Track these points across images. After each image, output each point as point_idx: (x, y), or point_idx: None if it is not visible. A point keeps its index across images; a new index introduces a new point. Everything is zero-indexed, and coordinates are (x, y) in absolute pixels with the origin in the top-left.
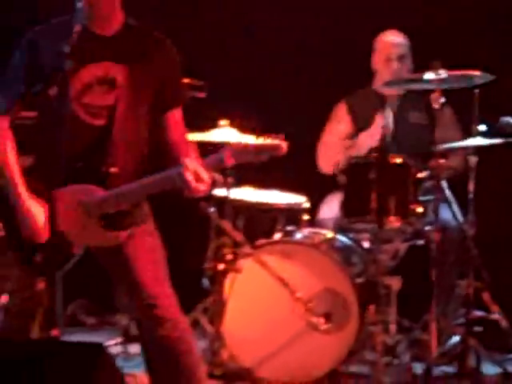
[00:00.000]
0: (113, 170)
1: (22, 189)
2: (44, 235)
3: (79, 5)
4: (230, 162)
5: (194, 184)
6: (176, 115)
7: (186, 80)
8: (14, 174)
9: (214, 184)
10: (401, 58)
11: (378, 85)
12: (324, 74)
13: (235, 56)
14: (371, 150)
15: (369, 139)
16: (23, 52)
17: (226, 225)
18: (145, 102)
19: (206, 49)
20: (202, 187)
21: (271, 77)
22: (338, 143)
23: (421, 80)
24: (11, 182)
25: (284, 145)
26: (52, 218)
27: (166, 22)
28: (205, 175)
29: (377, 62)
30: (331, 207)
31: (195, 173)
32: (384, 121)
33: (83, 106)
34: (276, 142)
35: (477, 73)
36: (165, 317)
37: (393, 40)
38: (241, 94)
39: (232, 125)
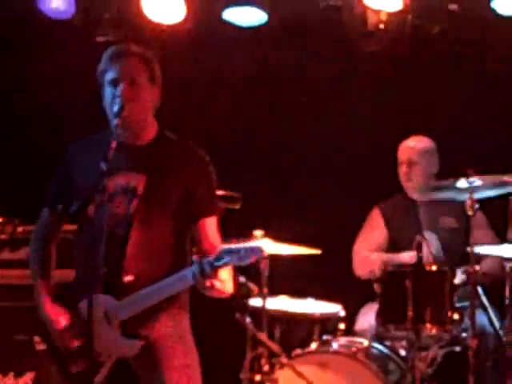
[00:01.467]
0: (127, 279)
1: (48, 297)
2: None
3: (115, 122)
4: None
5: (207, 283)
6: (209, 225)
7: (220, 192)
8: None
9: (250, 293)
10: (409, 162)
11: (407, 190)
12: (358, 180)
13: (269, 166)
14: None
15: (408, 259)
16: (63, 166)
17: (262, 335)
18: (166, 212)
19: (241, 161)
20: (219, 286)
21: (305, 185)
22: (374, 254)
23: (454, 187)
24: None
25: (262, 248)
26: (87, 329)
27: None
28: (222, 275)
29: (399, 167)
30: (368, 317)
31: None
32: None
33: (107, 214)
34: (255, 245)
35: (510, 179)
36: None
37: (413, 145)
38: (277, 203)
39: (267, 235)
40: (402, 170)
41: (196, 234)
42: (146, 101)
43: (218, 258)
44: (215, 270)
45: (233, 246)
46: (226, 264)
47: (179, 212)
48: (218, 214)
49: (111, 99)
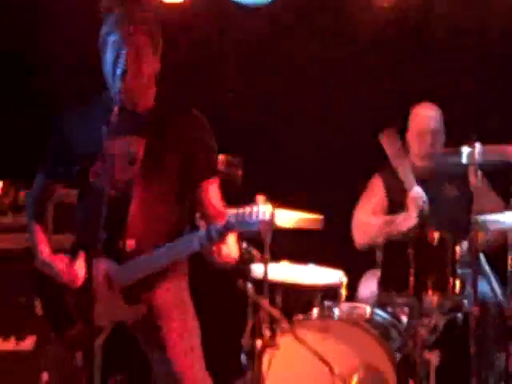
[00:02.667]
0: (129, 244)
1: (45, 251)
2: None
3: (117, 86)
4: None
5: (214, 249)
6: (210, 189)
7: (221, 156)
8: (38, 242)
9: (252, 259)
10: (434, 132)
11: (411, 157)
12: (358, 148)
13: (272, 132)
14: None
15: (409, 220)
16: (60, 133)
17: (264, 301)
18: (166, 176)
19: (243, 126)
20: (226, 251)
21: (307, 152)
22: (374, 218)
23: (458, 155)
24: (36, 248)
25: (273, 216)
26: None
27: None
28: (230, 241)
29: (410, 135)
30: (370, 284)
31: (214, 236)
32: (421, 198)
33: (108, 179)
34: (265, 211)
35: None
36: None
37: (426, 113)
38: (277, 170)
39: (268, 200)
40: (426, 140)
41: (198, 199)
42: (149, 67)
43: (225, 224)
44: (223, 236)
45: (242, 211)
46: (234, 230)
47: (180, 177)
48: (220, 178)
49: (114, 63)
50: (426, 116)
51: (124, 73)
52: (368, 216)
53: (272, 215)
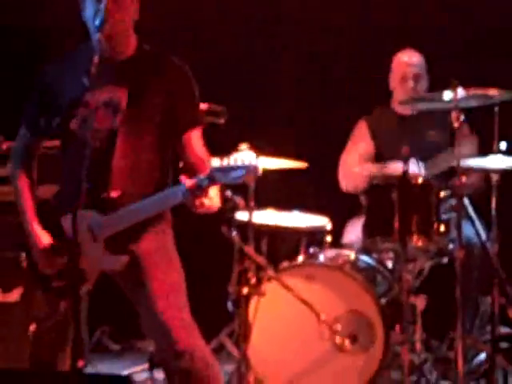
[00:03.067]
0: (113, 194)
1: (31, 214)
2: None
3: (97, 36)
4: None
5: (196, 201)
6: (193, 138)
7: (204, 105)
8: (25, 203)
9: (236, 207)
10: (416, 77)
11: (395, 104)
12: (343, 93)
13: (252, 78)
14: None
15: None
16: (41, 85)
17: (249, 248)
18: (150, 125)
19: (224, 73)
20: (208, 203)
21: (290, 98)
22: (361, 167)
23: (440, 99)
24: (22, 209)
25: (259, 167)
26: (69, 244)
27: (184, 47)
28: (211, 192)
29: (393, 81)
30: (355, 230)
31: (196, 190)
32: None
33: (90, 129)
34: (250, 163)
35: (495, 91)
36: (183, 349)
37: (408, 59)
38: (260, 116)
39: (252, 148)
40: (408, 85)
41: (181, 148)
42: (128, 15)
43: (208, 177)
44: (205, 189)
45: (226, 162)
46: (216, 183)
47: (163, 126)
48: (202, 126)
49: (93, 13)
50: (407, 62)
51: (103, 22)
52: (355, 162)
53: (256, 163)
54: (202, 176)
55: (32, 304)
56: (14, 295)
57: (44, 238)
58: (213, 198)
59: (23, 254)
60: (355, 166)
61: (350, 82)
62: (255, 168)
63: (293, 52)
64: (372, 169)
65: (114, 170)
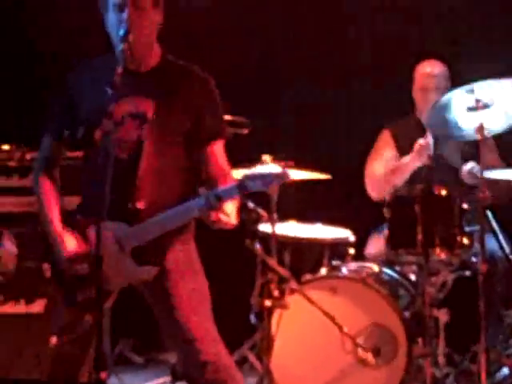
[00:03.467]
0: (140, 205)
1: (56, 222)
2: (71, 264)
3: (121, 47)
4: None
5: (213, 216)
6: (216, 150)
7: (227, 117)
8: (48, 211)
9: (259, 219)
10: (438, 88)
11: (418, 113)
12: (367, 103)
13: (275, 90)
14: (415, 180)
15: (412, 160)
16: (63, 95)
17: (272, 261)
18: (176, 137)
19: (248, 84)
20: (225, 218)
21: (313, 110)
22: (386, 170)
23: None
24: (46, 218)
25: (288, 172)
26: (96, 255)
27: (209, 60)
28: (227, 208)
29: (415, 92)
30: (378, 242)
31: (214, 205)
32: (427, 142)
33: (116, 140)
34: (281, 170)
35: None
36: (207, 360)
37: (429, 71)
38: (283, 128)
39: (275, 160)
40: (429, 96)
41: (204, 159)
42: (151, 25)
43: (225, 190)
44: (221, 202)
45: (257, 171)
46: (232, 196)
47: (188, 137)
48: (226, 138)
49: (116, 24)
50: (428, 73)
51: (126, 34)
52: (380, 170)
53: (285, 170)
54: (217, 188)
55: (54, 316)
56: (37, 307)
57: (70, 245)
58: (230, 214)
59: (46, 265)
60: (381, 174)
61: (374, 93)
62: (285, 174)
63: (316, 64)
64: (389, 169)
65: (140, 181)
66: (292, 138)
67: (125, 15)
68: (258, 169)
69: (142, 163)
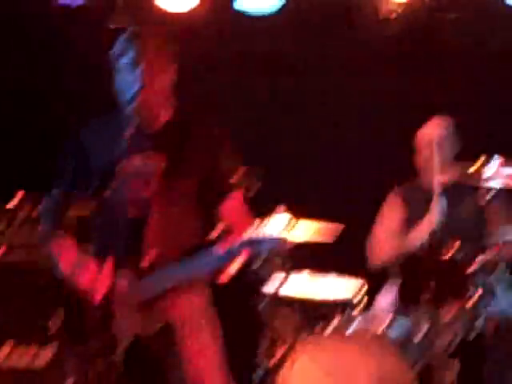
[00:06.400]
0: (148, 260)
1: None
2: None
3: (133, 105)
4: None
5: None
6: (233, 201)
7: (242, 168)
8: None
9: (273, 269)
10: (438, 144)
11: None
12: (380, 157)
13: (292, 144)
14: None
15: (419, 234)
16: (77, 149)
17: (278, 320)
18: (187, 193)
19: (263, 137)
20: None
21: (328, 161)
22: (389, 237)
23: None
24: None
25: (286, 240)
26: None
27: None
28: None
29: (418, 162)
30: (389, 295)
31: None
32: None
33: (125, 198)
34: (278, 237)
35: None
36: None
37: (425, 134)
38: (297, 180)
39: (289, 211)
40: (425, 151)
41: (221, 212)
42: (164, 83)
43: (239, 248)
44: (227, 265)
45: (255, 234)
46: (237, 257)
47: (200, 193)
48: (242, 190)
49: (127, 84)
50: (426, 136)
51: (138, 93)
52: (386, 238)
53: (284, 237)
54: (232, 246)
55: (64, 365)
56: (48, 352)
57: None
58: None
59: (51, 322)
60: (384, 243)
61: (386, 146)
62: (284, 240)
63: (330, 116)
64: (397, 243)
65: (149, 236)
66: (307, 188)
67: (136, 75)
68: (263, 225)
69: (151, 220)
